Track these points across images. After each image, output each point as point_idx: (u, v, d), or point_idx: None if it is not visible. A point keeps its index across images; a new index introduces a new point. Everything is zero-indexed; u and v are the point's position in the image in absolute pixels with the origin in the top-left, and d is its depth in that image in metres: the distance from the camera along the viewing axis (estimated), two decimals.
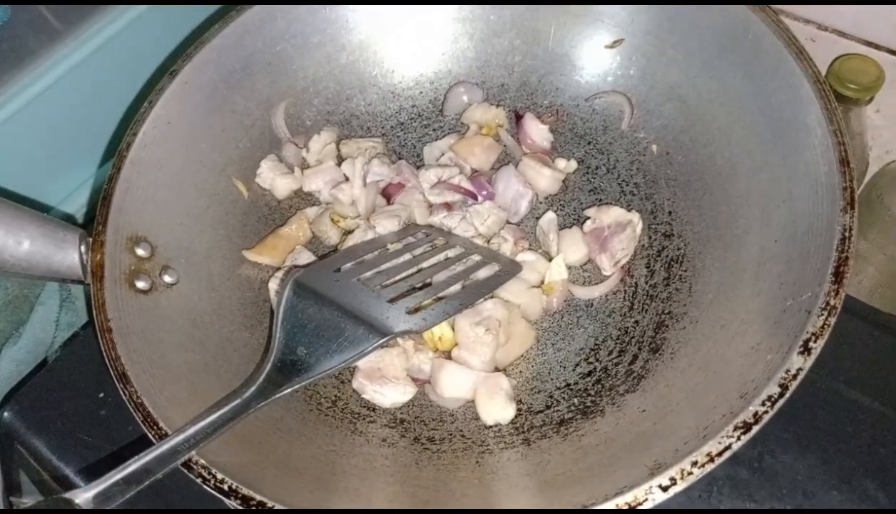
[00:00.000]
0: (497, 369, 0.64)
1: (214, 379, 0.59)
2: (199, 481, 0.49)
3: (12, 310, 0.73)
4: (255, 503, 0.47)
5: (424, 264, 0.64)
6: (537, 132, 0.76)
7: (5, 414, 0.70)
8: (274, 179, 0.75)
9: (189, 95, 0.70)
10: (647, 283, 0.66)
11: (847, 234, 0.51)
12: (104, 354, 0.55)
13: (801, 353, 0.47)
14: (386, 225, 0.68)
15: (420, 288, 0.62)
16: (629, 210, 0.68)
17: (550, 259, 0.68)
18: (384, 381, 0.62)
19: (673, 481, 0.45)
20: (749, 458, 0.61)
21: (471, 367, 0.62)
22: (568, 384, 0.63)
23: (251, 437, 0.55)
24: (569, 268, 0.68)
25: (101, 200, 0.63)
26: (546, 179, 0.72)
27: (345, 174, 0.74)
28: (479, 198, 0.72)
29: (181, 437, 0.48)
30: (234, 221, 0.72)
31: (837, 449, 0.61)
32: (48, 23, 0.73)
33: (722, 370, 0.53)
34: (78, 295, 0.79)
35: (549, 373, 0.64)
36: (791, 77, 0.60)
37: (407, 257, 0.65)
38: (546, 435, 0.59)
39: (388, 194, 0.73)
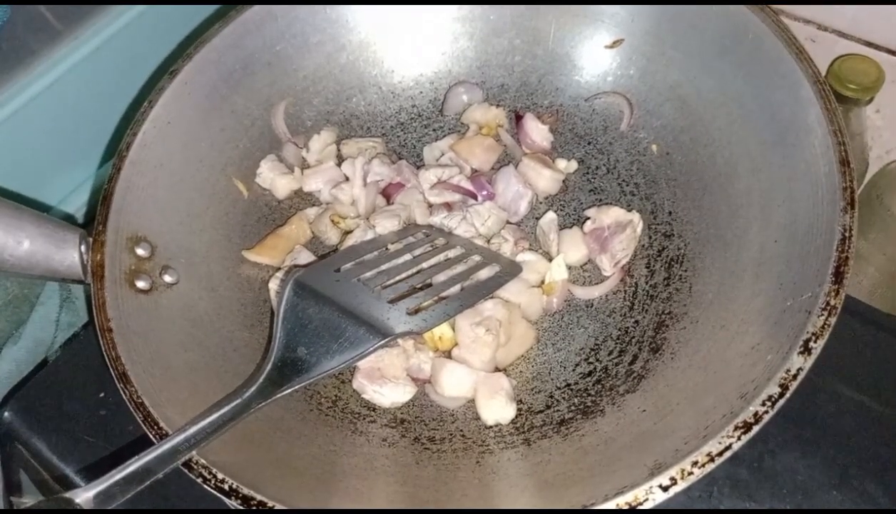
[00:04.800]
0: (497, 369, 0.64)
1: (215, 379, 0.59)
2: (199, 480, 0.49)
3: (12, 310, 0.73)
4: (255, 502, 0.47)
5: (425, 265, 0.64)
6: (537, 132, 0.76)
7: (5, 414, 0.70)
8: (274, 178, 0.75)
9: (189, 94, 0.70)
10: (647, 283, 0.67)
11: (847, 234, 0.51)
12: (104, 354, 0.55)
13: (802, 353, 0.47)
14: (386, 225, 0.68)
15: (420, 289, 0.62)
16: (629, 210, 0.68)
17: (551, 259, 0.68)
18: (384, 381, 0.62)
19: (673, 481, 0.45)
20: (749, 458, 0.61)
21: (471, 367, 0.62)
22: (568, 384, 0.63)
23: (251, 437, 0.55)
24: (569, 268, 0.68)
25: (101, 200, 0.63)
26: (546, 179, 0.72)
27: (345, 174, 0.74)
28: (479, 198, 0.72)
29: (181, 437, 0.48)
30: (234, 221, 0.72)
31: (837, 449, 0.61)
32: (48, 23, 0.73)
33: (722, 370, 0.53)
34: (78, 295, 0.79)
35: (549, 373, 0.64)
36: (791, 77, 0.60)
37: (407, 257, 0.65)
38: (546, 435, 0.59)
39: (388, 194, 0.73)
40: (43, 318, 0.76)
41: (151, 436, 0.51)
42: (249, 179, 0.75)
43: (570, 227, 0.71)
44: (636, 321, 0.65)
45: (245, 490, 0.48)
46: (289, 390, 0.53)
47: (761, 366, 0.49)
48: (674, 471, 0.45)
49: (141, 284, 0.61)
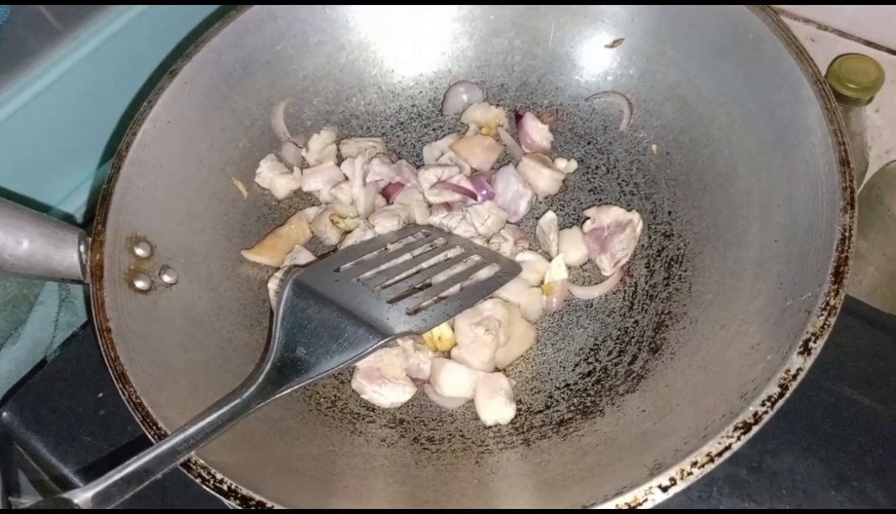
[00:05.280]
0: (497, 369, 0.64)
1: (214, 379, 0.59)
2: (198, 481, 0.49)
3: (12, 310, 0.73)
4: (254, 503, 0.47)
5: (424, 265, 0.64)
6: (537, 132, 0.76)
7: (4, 414, 0.70)
8: (273, 178, 0.74)
9: (189, 94, 0.70)
10: (646, 283, 0.66)
11: (847, 234, 0.51)
12: (103, 354, 0.55)
13: (801, 353, 0.47)
14: (385, 224, 0.68)
15: (420, 288, 0.62)
16: (629, 210, 0.68)
17: (550, 259, 0.68)
18: (383, 381, 0.62)
19: (673, 481, 0.45)
20: (749, 458, 0.61)
21: (470, 367, 0.62)
22: (568, 384, 0.63)
23: (250, 437, 0.55)
24: (569, 268, 0.68)
25: (100, 200, 0.63)
26: (546, 179, 0.72)
27: (344, 174, 0.74)
28: (479, 198, 0.72)
29: (180, 437, 0.48)
30: (233, 220, 0.72)
31: (837, 449, 0.61)
32: (48, 23, 0.73)
33: (722, 370, 0.53)
34: (77, 295, 0.79)
35: (548, 373, 0.64)
36: (791, 77, 0.60)
37: (407, 257, 0.65)
38: (546, 435, 0.59)
39: (387, 194, 0.73)
40: (42, 318, 0.76)
41: (150, 436, 0.51)
42: (249, 178, 0.75)
43: (570, 227, 0.71)
44: (636, 321, 0.65)
45: (244, 490, 0.48)
46: (288, 391, 0.53)
47: (761, 366, 0.49)
48: (673, 471, 0.45)
49: (140, 284, 0.61)
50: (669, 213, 0.69)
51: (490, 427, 0.61)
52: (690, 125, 0.70)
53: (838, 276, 0.49)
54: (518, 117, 0.77)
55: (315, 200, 0.76)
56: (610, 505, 0.45)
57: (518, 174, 0.72)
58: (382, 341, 0.57)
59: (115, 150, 0.66)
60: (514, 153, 0.77)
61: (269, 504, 0.47)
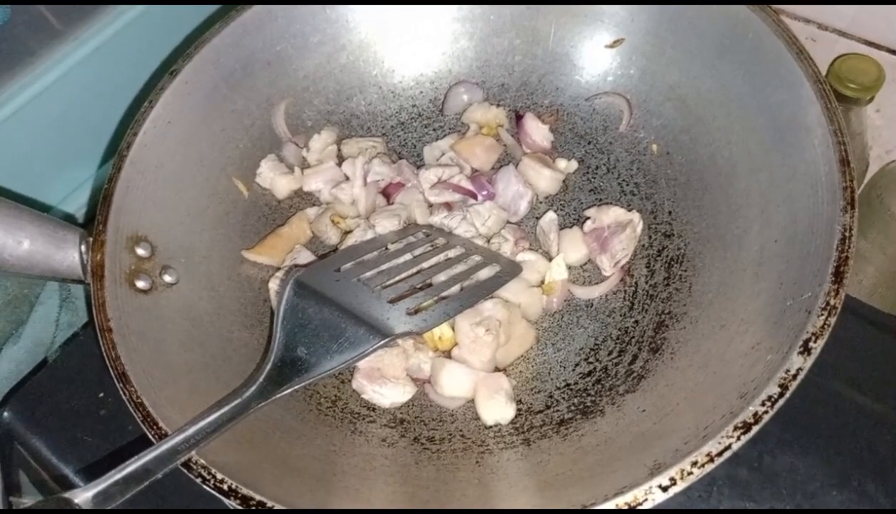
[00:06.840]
0: (497, 369, 0.64)
1: (214, 379, 0.59)
2: (198, 481, 0.49)
3: (12, 310, 0.73)
4: (254, 502, 0.47)
5: (425, 265, 0.64)
6: (537, 132, 0.76)
7: (5, 414, 0.70)
8: (274, 178, 0.75)
9: (189, 94, 0.70)
10: (647, 283, 0.66)
11: (847, 234, 0.51)
12: (104, 353, 0.55)
13: (801, 353, 0.47)
14: (386, 224, 0.68)
15: (420, 288, 0.62)
16: (629, 210, 0.68)
17: (550, 259, 0.68)
18: (384, 381, 0.62)
19: (673, 481, 0.45)
20: (749, 458, 0.61)
21: (471, 367, 0.62)
22: (568, 384, 0.63)
23: (251, 437, 0.55)
24: (569, 268, 0.68)
25: (101, 200, 0.63)
26: (546, 179, 0.72)
27: (345, 174, 0.74)
28: (479, 198, 0.72)
29: (181, 437, 0.48)
30: (234, 220, 0.72)
31: (837, 449, 0.61)
32: (48, 23, 0.73)
33: (722, 370, 0.53)
34: (78, 295, 0.79)
35: (549, 373, 0.64)
36: (791, 77, 0.60)
37: (407, 257, 0.65)
38: (546, 435, 0.59)
39: (388, 194, 0.73)
40: (43, 318, 0.76)
41: (151, 436, 0.51)
42: (249, 178, 0.75)
43: (570, 227, 0.71)
44: (636, 321, 0.65)
45: (244, 490, 0.48)
46: (289, 391, 0.53)
47: (761, 366, 0.49)
48: (673, 471, 0.45)
49: (141, 284, 0.61)
50: (670, 213, 0.69)
51: (490, 427, 0.61)
52: (690, 125, 0.70)
53: (838, 276, 0.49)
54: (518, 117, 0.77)
55: (316, 200, 0.76)
56: (610, 505, 0.45)
57: (518, 174, 0.72)
58: (383, 341, 0.57)
59: (115, 150, 0.66)
60: (514, 153, 0.77)
61: (269, 504, 0.47)
